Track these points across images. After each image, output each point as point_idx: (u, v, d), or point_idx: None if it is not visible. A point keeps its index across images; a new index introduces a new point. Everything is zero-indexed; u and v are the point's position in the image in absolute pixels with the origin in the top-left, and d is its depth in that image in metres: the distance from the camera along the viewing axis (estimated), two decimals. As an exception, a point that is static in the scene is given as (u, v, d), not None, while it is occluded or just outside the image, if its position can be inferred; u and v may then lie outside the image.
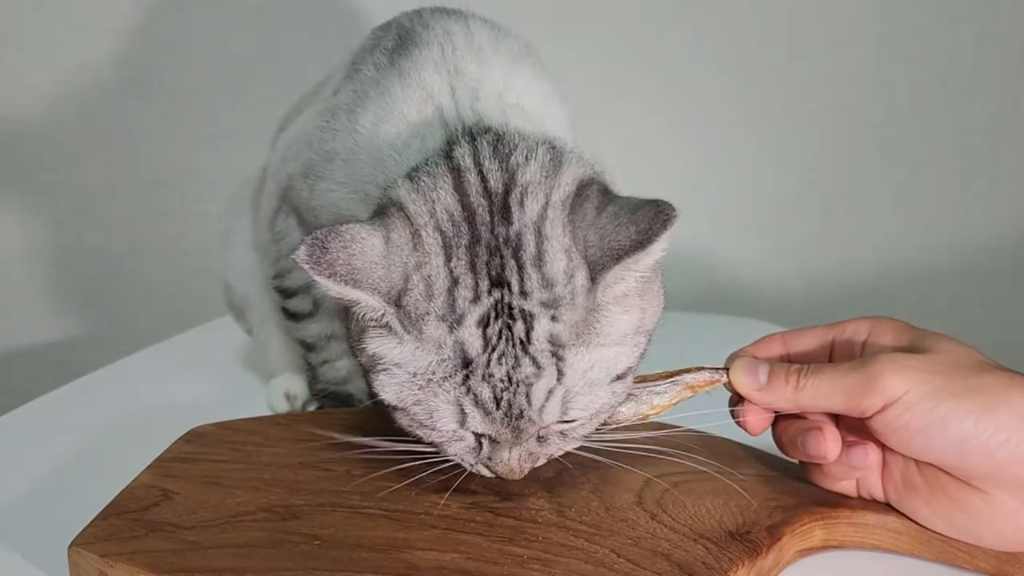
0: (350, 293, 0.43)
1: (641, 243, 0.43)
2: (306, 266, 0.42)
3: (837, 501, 0.51)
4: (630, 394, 0.50)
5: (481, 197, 0.46)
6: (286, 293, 0.67)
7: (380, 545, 0.46)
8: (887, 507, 0.51)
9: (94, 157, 1.22)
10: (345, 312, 0.50)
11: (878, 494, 0.51)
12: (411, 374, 0.45)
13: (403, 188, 0.47)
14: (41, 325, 1.28)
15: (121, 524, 0.48)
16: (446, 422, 0.45)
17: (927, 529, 0.49)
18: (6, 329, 1.28)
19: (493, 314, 0.44)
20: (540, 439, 0.48)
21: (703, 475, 0.54)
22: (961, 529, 0.48)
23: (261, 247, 0.74)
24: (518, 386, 0.44)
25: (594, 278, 0.45)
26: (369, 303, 0.44)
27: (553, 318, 0.44)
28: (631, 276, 0.45)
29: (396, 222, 0.45)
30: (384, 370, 0.46)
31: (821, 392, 0.48)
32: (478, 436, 0.47)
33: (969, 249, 1.11)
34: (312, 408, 0.68)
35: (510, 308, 0.44)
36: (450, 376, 0.44)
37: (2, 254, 1.25)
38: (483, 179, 0.46)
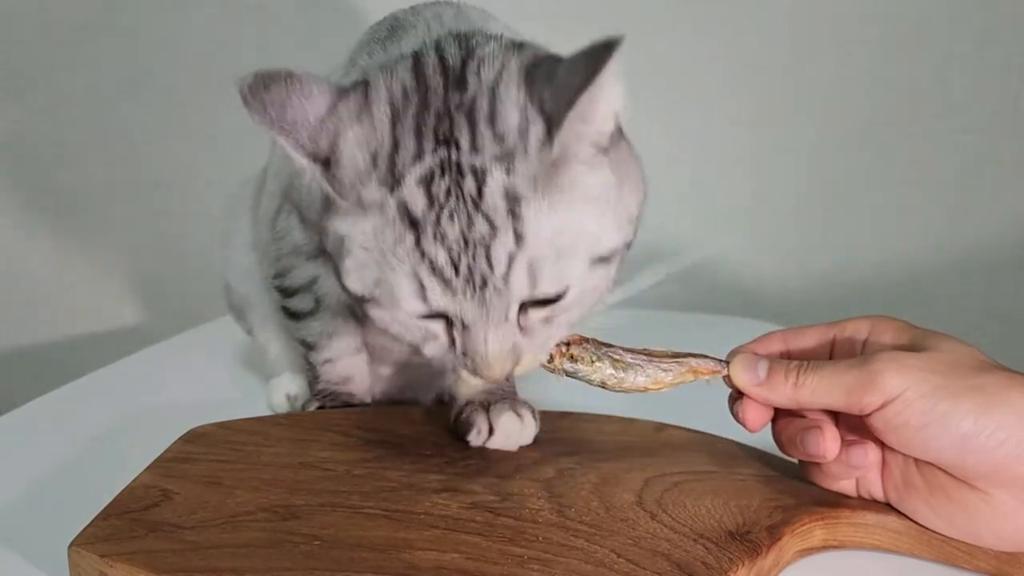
0: (277, 138, 0.43)
1: (588, 78, 0.41)
2: (242, 95, 0.42)
3: (837, 501, 0.51)
4: (637, 365, 0.50)
5: (438, 74, 0.46)
6: (287, 292, 0.67)
7: (380, 545, 0.46)
8: (887, 507, 0.51)
9: (94, 157, 1.22)
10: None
11: (878, 494, 0.51)
12: (365, 248, 0.44)
13: (371, 70, 0.47)
14: (41, 325, 1.28)
15: (121, 524, 0.48)
16: (408, 298, 0.44)
17: (927, 529, 0.49)
18: (6, 329, 1.28)
19: (439, 171, 0.43)
20: (522, 329, 0.45)
21: (703, 475, 0.54)
22: (961, 529, 0.48)
23: (261, 247, 0.74)
24: (475, 247, 0.42)
25: (551, 131, 0.43)
26: (294, 157, 0.44)
27: (507, 171, 0.42)
28: (592, 128, 0.44)
29: (352, 95, 0.45)
30: (347, 254, 0.45)
31: (821, 389, 0.48)
32: (449, 327, 0.45)
33: (969, 249, 1.11)
34: (312, 408, 0.67)
35: (459, 165, 0.43)
36: (400, 240, 0.43)
37: (2, 254, 1.25)
38: (441, 59, 0.46)
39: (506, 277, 0.43)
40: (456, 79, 0.45)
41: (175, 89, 1.19)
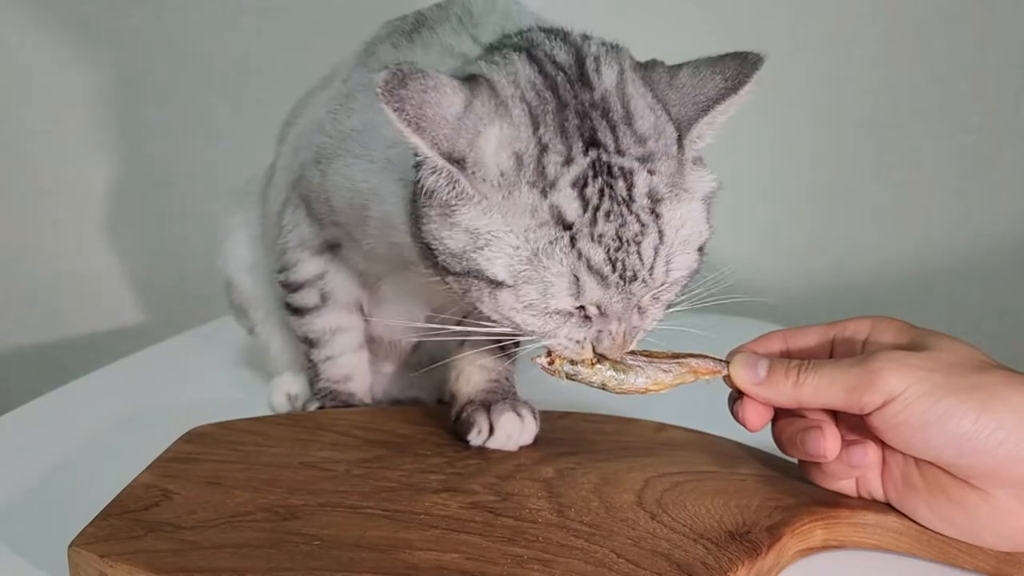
0: (411, 137, 0.43)
1: (732, 88, 0.45)
2: (379, 91, 0.42)
3: (837, 501, 0.51)
4: (637, 366, 0.51)
5: (555, 68, 0.46)
6: (291, 287, 0.66)
7: (380, 545, 0.46)
8: (887, 507, 0.51)
9: (94, 157, 1.22)
10: (412, 195, 0.48)
11: (878, 494, 0.51)
12: (513, 247, 0.44)
13: (482, 64, 0.47)
14: (41, 325, 1.28)
15: (121, 524, 0.48)
16: (561, 296, 0.45)
17: (927, 529, 0.49)
18: (6, 329, 1.28)
19: (591, 173, 0.44)
20: (640, 310, 0.47)
21: (703, 475, 0.54)
22: (960, 529, 0.48)
23: (267, 241, 0.73)
24: (629, 245, 0.44)
25: (682, 132, 0.46)
26: (427, 155, 0.43)
27: (650, 171, 0.45)
28: (708, 134, 0.47)
29: (483, 91, 0.45)
30: (487, 244, 0.45)
31: (821, 388, 0.48)
32: (581, 310, 0.46)
33: (969, 249, 1.11)
34: (313, 408, 0.67)
35: (609, 167, 0.44)
36: (555, 241, 0.44)
37: (2, 254, 1.25)
38: (551, 55, 0.47)
39: (652, 270, 0.45)
40: (578, 75, 0.46)
41: (175, 89, 1.19)
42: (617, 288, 0.45)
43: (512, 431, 0.58)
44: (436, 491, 0.52)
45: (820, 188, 1.15)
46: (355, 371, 0.69)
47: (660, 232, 0.45)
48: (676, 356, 0.52)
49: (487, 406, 0.59)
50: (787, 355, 0.54)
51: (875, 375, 0.45)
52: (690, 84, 0.46)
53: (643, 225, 0.44)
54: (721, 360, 0.52)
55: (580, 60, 0.47)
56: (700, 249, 0.48)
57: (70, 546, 0.46)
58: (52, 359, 1.28)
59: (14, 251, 1.25)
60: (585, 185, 0.44)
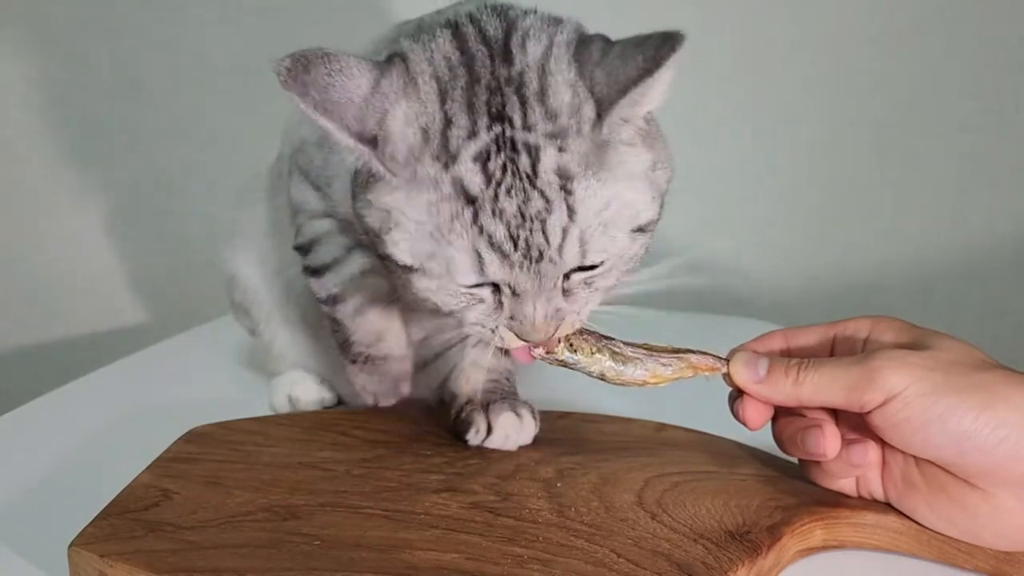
0: (320, 120, 0.43)
1: (648, 70, 0.44)
2: (281, 79, 0.42)
3: (837, 501, 0.51)
4: (637, 359, 0.51)
5: (480, 44, 0.46)
6: (304, 249, 0.65)
7: (380, 545, 0.46)
8: (887, 507, 0.51)
9: (94, 157, 1.22)
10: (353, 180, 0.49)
11: (878, 493, 0.51)
12: (417, 222, 0.44)
13: (406, 42, 0.47)
14: (41, 325, 1.28)
15: (121, 524, 0.48)
16: (464, 271, 0.45)
17: (927, 529, 0.49)
18: (6, 329, 1.28)
19: (494, 148, 0.44)
20: (565, 292, 0.47)
21: (703, 475, 0.54)
22: (961, 528, 0.48)
23: (280, 231, 0.73)
24: (532, 222, 0.44)
25: (601, 113, 0.45)
26: (338, 138, 0.44)
27: (560, 149, 0.44)
28: (638, 114, 0.46)
29: (393, 69, 0.45)
30: (395, 225, 0.45)
31: (821, 386, 0.48)
32: (497, 293, 0.46)
33: (969, 249, 1.11)
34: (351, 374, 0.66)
35: (512, 142, 0.44)
36: (458, 216, 0.44)
37: (2, 253, 1.25)
38: (481, 30, 0.47)
39: (560, 249, 0.44)
40: (501, 51, 0.46)
41: (175, 89, 1.19)
42: (521, 267, 0.44)
43: (510, 431, 0.58)
44: (436, 491, 0.52)
45: (819, 188, 1.15)
46: (388, 326, 0.66)
47: (570, 210, 0.44)
48: (676, 351, 0.52)
49: (486, 406, 0.59)
50: (787, 354, 0.54)
51: (876, 373, 0.46)
52: (615, 63, 0.45)
53: (548, 202, 0.44)
54: (721, 358, 0.52)
55: (507, 34, 0.46)
56: (641, 230, 0.46)
57: (70, 546, 0.46)
58: (52, 359, 1.28)
59: (14, 251, 1.25)
60: (488, 159, 0.44)
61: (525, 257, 0.44)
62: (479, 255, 0.44)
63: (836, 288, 1.16)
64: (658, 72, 0.43)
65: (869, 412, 0.47)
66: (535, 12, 0.48)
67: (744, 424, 0.52)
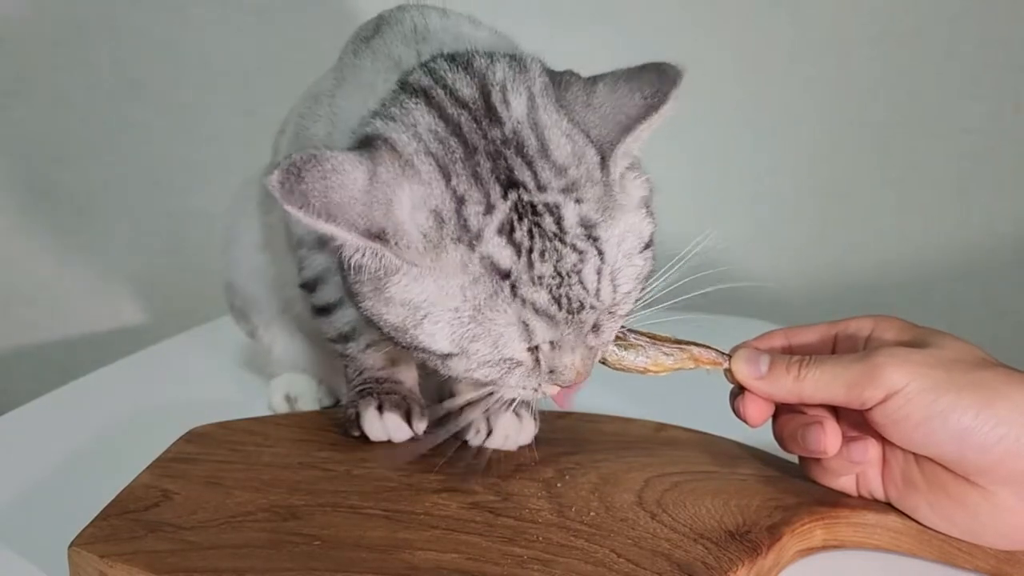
0: (324, 227, 0.41)
1: (653, 106, 0.43)
2: (277, 194, 0.40)
3: (837, 501, 0.51)
4: (639, 345, 0.51)
5: (458, 108, 0.45)
6: (309, 286, 0.64)
7: (380, 545, 0.46)
8: (887, 507, 0.51)
9: (94, 157, 1.22)
10: (341, 271, 0.46)
11: (878, 492, 0.51)
12: (453, 309, 0.43)
13: (376, 123, 0.45)
14: (41, 325, 1.28)
15: (121, 524, 0.48)
16: (514, 345, 0.44)
17: (927, 528, 0.49)
18: (6, 329, 1.28)
19: (516, 216, 0.43)
20: (595, 329, 0.46)
21: (703, 475, 0.54)
22: (961, 527, 0.48)
23: (271, 248, 0.73)
24: (569, 277, 0.43)
25: (605, 154, 0.44)
26: (346, 240, 0.42)
27: (577, 200, 0.44)
28: (637, 147, 0.46)
29: (383, 155, 0.43)
30: (425, 316, 0.44)
31: (822, 383, 0.48)
32: (534, 351, 0.45)
33: (969, 249, 1.11)
34: (368, 405, 0.61)
35: (532, 206, 0.43)
36: (495, 293, 0.43)
37: (2, 254, 1.25)
38: (451, 91, 0.45)
39: (598, 293, 0.44)
40: (484, 111, 0.44)
41: (175, 89, 1.19)
42: (567, 322, 0.44)
43: (510, 431, 0.58)
44: (436, 491, 0.52)
45: (820, 188, 1.15)
46: (399, 355, 0.64)
47: (600, 253, 0.44)
48: (679, 342, 0.52)
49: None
50: (789, 352, 0.54)
51: (877, 370, 0.46)
52: (608, 103, 0.44)
53: (581, 253, 0.43)
54: (723, 353, 0.52)
55: (485, 92, 0.45)
56: (647, 247, 0.47)
57: (70, 546, 0.46)
58: (52, 359, 1.28)
59: (14, 251, 1.25)
60: (512, 230, 0.43)
61: (569, 312, 0.44)
62: (526, 325, 0.43)
63: (837, 288, 1.16)
64: (663, 109, 0.44)
65: (870, 409, 0.47)
66: (490, 57, 0.47)
67: (745, 421, 0.52)
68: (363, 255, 0.43)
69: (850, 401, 0.47)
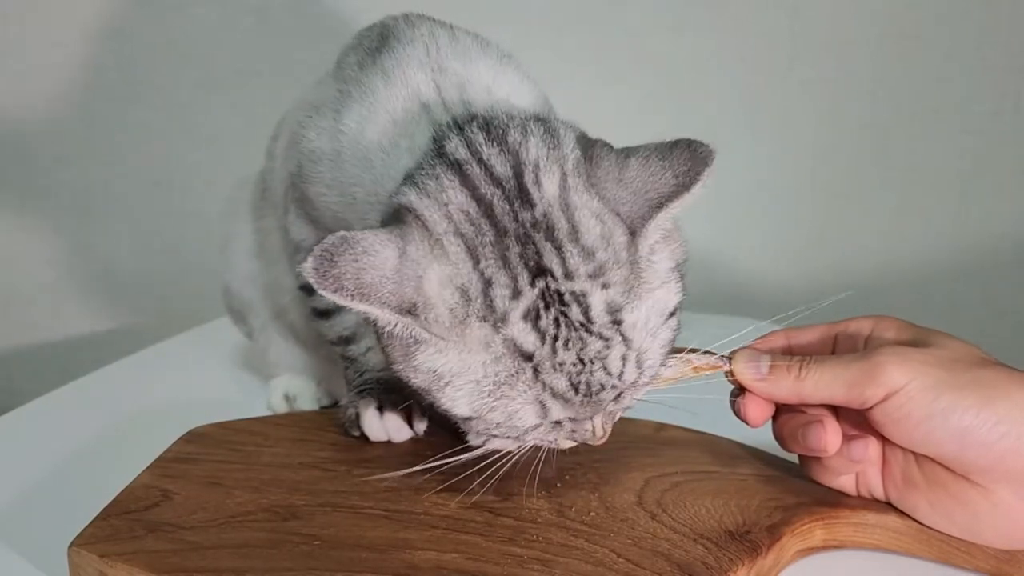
0: (358, 307, 0.42)
1: (684, 186, 0.44)
2: (312, 280, 0.41)
3: (837, 501, 0.51)
4: None
5: (492, 186, 0.45)
6: (308, 289, 0.63)
7: (380, 545, 0.46)
8: (887, 506, 0.51)
9: (94, 157, 1.22)
10: (377, 337, 0.48)
11: (878, 492, 0.51)
12: (475, 382, 0.44)
13: (411, 194, 0.46)
14: (41, 325, 1.28)
15: (121, 524, 0.48)
16: (527, 419, 0.45)
17: (927, 528, 0.49)
18: (6, 329, 1.28)
19: (542, 304, 0.43)
20: (616, 399, 0.46)
21: (703, 475, 0.54)
22: (961, 526, 0.48)
23: (264, 254, 0.73)
24: (592, 364, 0.44)
25: (635, 231, 0.45)
26: (379, 316, 0.43)
27: (604, 286, 0.44)
28: (667, 223, 0.46)
29: (413, 233, 0.44)
30: (448, 384, 0.45)
31: (823, 382, 0.48)
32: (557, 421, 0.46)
33: (969, 249, 1.11)
34: (368, 405, 0.61)
35: (559, 295, 0.43)
36: (518, 374, 0.44)
37: (2, 254, 1.25)
38: (486, 168, 0.46)
39: (621, 376, 0.45)
40: (516, 192, 0.45)
41: (175, 89, 1.19)
42: (583, 404, 0.45)
43: None
44: (436, 491, 0.52)
45: (821, 189, 1.15)
46: None
47: (624, 339, 0.44)
48: (678, 351, 0.52)
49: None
50: (789, 352, 0.54)
51: (877, 369, 0.46)
52: (639, 179, 0.45)
53: (606, 340, 0.44)
54: (722, 356, 0.52)
55: (518, 172, 0.45)
56: (672, 313, 0.47)
57: (70, 546, 0.46)
58: (52, 359, 1.28)
59: (14, 251, 1.25)
60: (538, 317, 0.43)
61: (587, 395, 0.44)
62: (543, 404, 0.44)
63: (837, 288, 1.16)
64: (694, 189, 0.44)
65: (870, 408, 0.47)
66: (525, 130, 0.47)
67: (745, 421, 0.52)
68: (394, 326, 0.44)
69: (851, 400, 0.47)
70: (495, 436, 0.47)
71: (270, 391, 0.77)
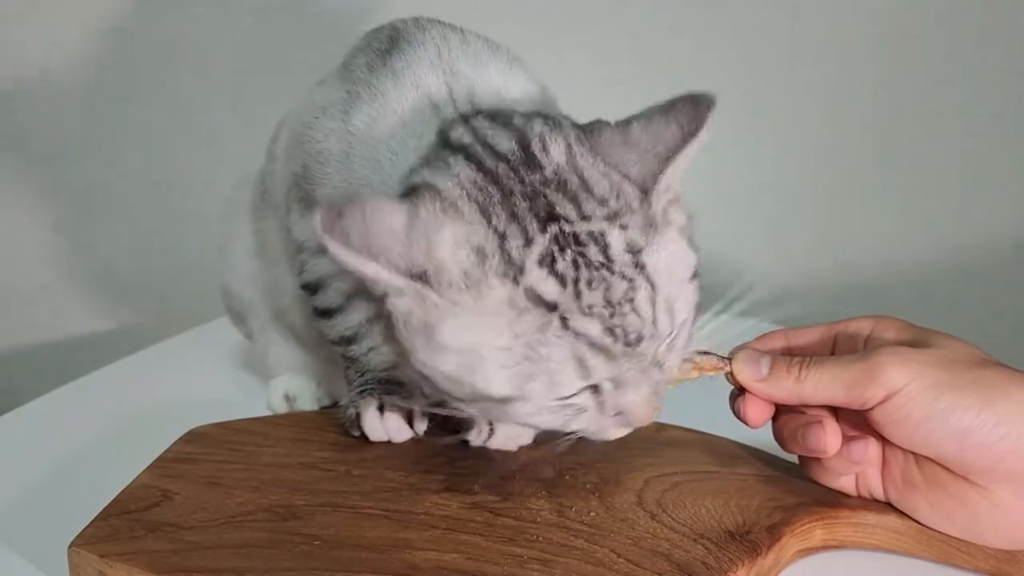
0: (366, 266, 0.41)
1: (691, 133, 0.44)
2: (319, 231, 0.41)
3: (837, 501, 0.51)
4: None
5: (495, 160, 0.45)
6: (310, 288, 0.64)
7: (380, 545, 0.46)
8: (887, 507, 0.51)
9: (94, 157, 1.22)
10: (391, 332, 0.47)
11: (878, 492, 0.51)
12: (503, 348, 0.42)
13: (424, 172, 0.46)
14: (40, 325, 1.28)
15: (121, 524, 0.48)
16: (569, 381, 0.43)
17: (927, 528, 0.49)
18: (6, 329, 1.28)
19: (556, 248, 0.43)
20: (657, 364, 0.45)
21: (703, 475, 0.54)
22: (961, 526, 0.48)
23: (264, 256, 0.73)
24: (622, 306, 0.43)
25: (647, 187, 0.45)
26: (388, 280, 0.42)
27: (622, 227, 0.44)
28: (677, 176, 0.46)
29: (425, 199, 0.44)
30: (479, 360, 0.43)
31: (823, 383, 0.48)
32: (596, 392, 0.44)
33: (969, 249, 1.11)
34: (369, 403, 0.60)
35: (575, 236, 0.43)
36: (544, 326, 0.42)
37: (2, 254, 1.25)
38: (490, 147, 0.46)
39: (655, 323, 0.44)
40: (522, 160, 0.45)
41: (175, 89, 1.19)
42: (625, 355, 0.43)
43: (512, 431, 0.58)
44: (436, 491, 0.52)
45: (821, 189, 1.15)
46: (403, 357, 0.65)
47: (651, 282, 0.44)
48: None
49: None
50: (788, 353, 0.54)
51: (877, 369, 0.46)
52: (645, 138, 0.45)
53: (630, 281, 0.43)
54: (723, 357, 0.52)
55: (524, 143, 0.46)
56: (695, 276, 0.47)
57: (70, 546, 0.46)
58: (52, 359, 1.28)
59: (15, 251, 1.25)
60: (554, 261, 0.43)
61: (627, 344, 0.43)
62: (581, 360, 0.43)
63: (837, 288, 1.16)
64: (700, 134, 0.44)
65: (870, 409, 0.47)
66: (527, 115, 0.48)
67: (745, 422, 0.52)
68: (407, 300, 0.43)
69: (851, 401, 0.47)
70: (542, 423, 0.45)
71: (270, 391, 0.77)
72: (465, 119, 0.49)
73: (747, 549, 0.46)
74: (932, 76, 1.08)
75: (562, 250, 0.43)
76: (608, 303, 0.43)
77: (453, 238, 0.43)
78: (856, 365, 0.47)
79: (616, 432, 0.47)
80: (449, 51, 0.55)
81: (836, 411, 0.51)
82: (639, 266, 0.43)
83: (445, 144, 0.48)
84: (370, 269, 0.42)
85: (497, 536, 0.47)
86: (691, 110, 0.45)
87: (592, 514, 0.50)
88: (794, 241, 1.17)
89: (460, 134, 0.48)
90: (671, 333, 0.45)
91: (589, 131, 0.47)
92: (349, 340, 0.64)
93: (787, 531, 0.49)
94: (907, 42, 1.08)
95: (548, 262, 0.43)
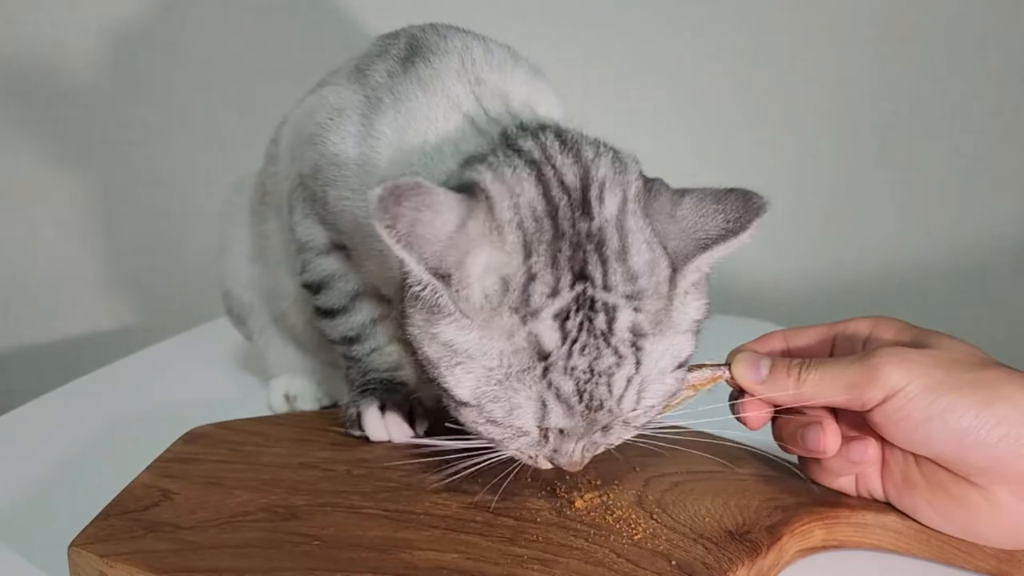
0: (400, 252, 0.42)
1: (733, 231, 0.45)
2: (373, 208, 0.41)
3: (837, 501, 0.51)
4: None
5: (561, 191, 0.46)
6: (313, 288, 0.64)
7: (380, 545, 0.46)
8: (887, 507, 0.51)
9: (94, 157, 1.22)
10: (401, 292, 0.48)
11: (877, 492, 0.51)
12: (487, 368, 0.44)
13: (487, 174, 0.46)
14: (41, 325, 1.28)
15: (121, 524, 0.48)
16: (525, 419, 0.45)
17: (927, 528, 0.49)
18: (6, 329, 1.28)
19: (574, 307, 0.44)
20: (604, 428, 0.47)
21: (703, 475, 0.54)
22: (960, 526, 0.48)
23: (263, 260, 0.73)
24: (600, 377, 0.44)
25: (676, 268, 0.45)
26: (414, 270, 0.43)
27: (636, 309, 0.45)
28: (707, 266, 0.46)
29: (480, 211, 0.44)
30: (459, 364, 0.45)
31: (823, 385, 0.48)
32: (545, 431, 0.46)
33: (969, 249, 1.11)
34: (370, 404, 0.61)
35: (592, 301, 0.44)
36: (528, 369, 0.44)
37: (1, 253, 1.25)
38: (559, 173, 0.46)
39: (620, 399, 0.45)
40: (580, 202, 0.45)
41: (175, 89, 1.19)
42: (582, 416, 0.45)
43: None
44: (436, 491, 0.52)
45: (820, 189, 1.15)
46: (403, 360, 0.65)
47: (637, 363, 0.45)
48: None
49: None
50: (788, 354, 0.54)
51: (877, 370, 0.46)
52: (691, 218, 0.46)
53: (620, 357, 0.44)
54: (719, 364, 0.52)
55: (586, 185, 0.46)
56: (681, 365, 0.47)
57: (70, 546, 0.46)
58: (52, 359, 1.28)
59: (14, 251, 1.25)
60: (567, 318, 0.44)
61: (587, 408, 0.45)
62: (544, 405, 0.45)
63: (836, 288, 1.16)
64: (742, 236, 0.45)
65: (870, 410, 0.47)
66: (597, 149, 0.48)
67: (745, 424, 0.52)
68: (425, 289, 0.44)
69: (850, 402, 0.47)
70: (484, 432, 0.47)
71: (270, 391, 0.77)
72: (531, 132, 0.49)
73: (747, 549, 0.46)
74: (931, 76, 1.09)
75: (577, 310, 0.44)
76: (590, 371, 0.44)
77: (487, 262, 0.44)
78: (855, 366, 0.47)
79: (544, 464, 0.49)
80: (473, 61, 0.56)
81: (836, 412, 0.51)
82: (635, 347, 0.45)
83: (515, 149, 0.48)
84: (403, 256, 0.43)
85: (497, 536, 0.47)
86: (741, 207, 0.45)
87: (592, 514, 0.50)
88: (794, 241, 1.17)
89: (531, 147, 0.48)
90: (633, 410, 0.46)
91: (649, 188, 0.47)
92: (351, 340, 0.64)
93: (787, 531, 0.49)
94: (906, 42, 1.08)
95: (563, 317, 0.44)
